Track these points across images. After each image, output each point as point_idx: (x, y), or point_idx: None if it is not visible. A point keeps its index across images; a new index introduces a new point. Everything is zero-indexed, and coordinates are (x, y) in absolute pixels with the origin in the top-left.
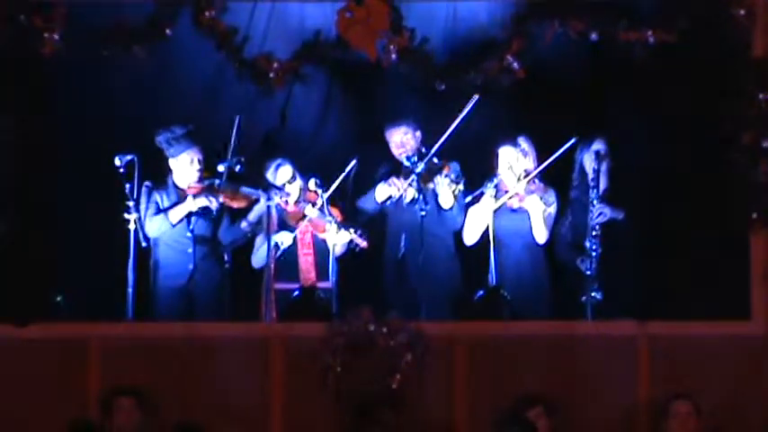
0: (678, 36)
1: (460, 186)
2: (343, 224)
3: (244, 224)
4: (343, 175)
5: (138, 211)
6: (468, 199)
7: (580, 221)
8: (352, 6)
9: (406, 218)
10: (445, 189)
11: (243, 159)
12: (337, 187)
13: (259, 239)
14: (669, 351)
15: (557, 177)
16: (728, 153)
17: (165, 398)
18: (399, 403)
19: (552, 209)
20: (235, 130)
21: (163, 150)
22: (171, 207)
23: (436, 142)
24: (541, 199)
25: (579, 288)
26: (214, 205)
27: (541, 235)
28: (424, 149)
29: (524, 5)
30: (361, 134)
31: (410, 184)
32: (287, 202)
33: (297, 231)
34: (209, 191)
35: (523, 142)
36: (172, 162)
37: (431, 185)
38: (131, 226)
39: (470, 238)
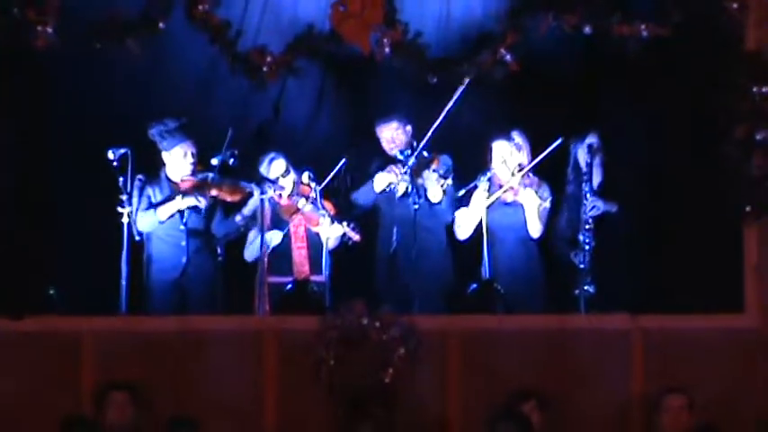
0: (671, 30)
1: (449, 181)
2: (337, 218)
3: (238, 218)
4: (333, 172)
5: (131, 204)
6: (462, 193)
7: (576, 216)
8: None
9: (398, 212)
10: (433, 183)
11: (236, 153)
12: (330, 183)
13: (252, 233)
14: (662, 344)
15: (551, 172)
16: (722, 146)
17: (158, 392)
18: (392, 397)
19: (547, 203)
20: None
21: (156, 144)
22: (160, 203)
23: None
24: (536, 193)
25: (573, 282)
26: (203, 204)
27: (535, 229)
28: (415, 143)
29: None
30: (354, 128)
31: (403, 177)
32: (280, 195)
33: (290, 225)
34: (201, 185)
35: (517, 136)
36: (165, 155)
37: (420, 180)
38: (124, 219)
39: (462, 232)
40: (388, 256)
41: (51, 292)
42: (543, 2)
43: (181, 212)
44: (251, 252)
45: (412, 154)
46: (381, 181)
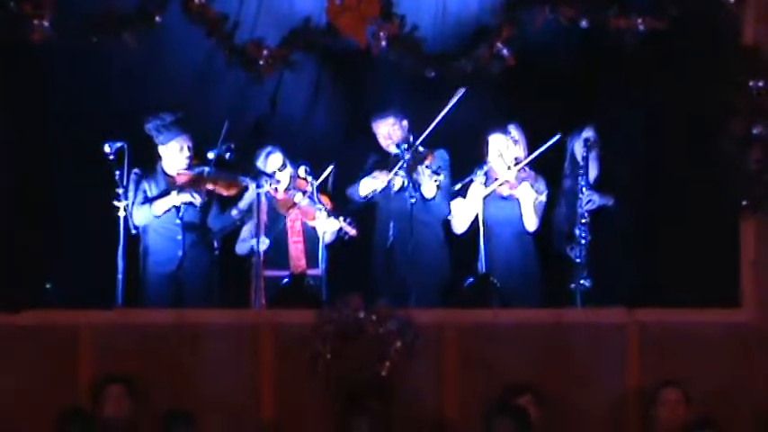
0: (669, 23)
1: (441, 177)
2: (333, 212)
3: (234, 212)
4: (324, 176)
5: (127, 198)
6: (458, 186)
7: (572, 210)
8: None
9: (394, 206)
10: (426, 179)
11: (233, 146)
12: (325, 179)
13: (245, 230)
14: (659, 338)
15: (547, 166)
16: (719, 141)
17: (155, 385)
18: (389, 391)
19: (543, 197)
20: (224, 132)
21: (152, 137)
22: (156, 198)
23: (424, 130)
24: (532, 187)
25: (569, 276)
26: (198, 201)
27: (531, 223)
28: (412, 138)
29: None
30: (351, 122)
31: (396, 173)
32: (277, 189)
33: (287, 219)
34: (197, 179)
35: (514, 130)
36: (161, 149)
37: (415, 175)
38: (121, 213)
39: (459, 226)
40: (384, 250)
41: (48, 285)
42: None
43: (177, 207)
44: (242, 247)
45: (408, 148)
46: (366, 187)
